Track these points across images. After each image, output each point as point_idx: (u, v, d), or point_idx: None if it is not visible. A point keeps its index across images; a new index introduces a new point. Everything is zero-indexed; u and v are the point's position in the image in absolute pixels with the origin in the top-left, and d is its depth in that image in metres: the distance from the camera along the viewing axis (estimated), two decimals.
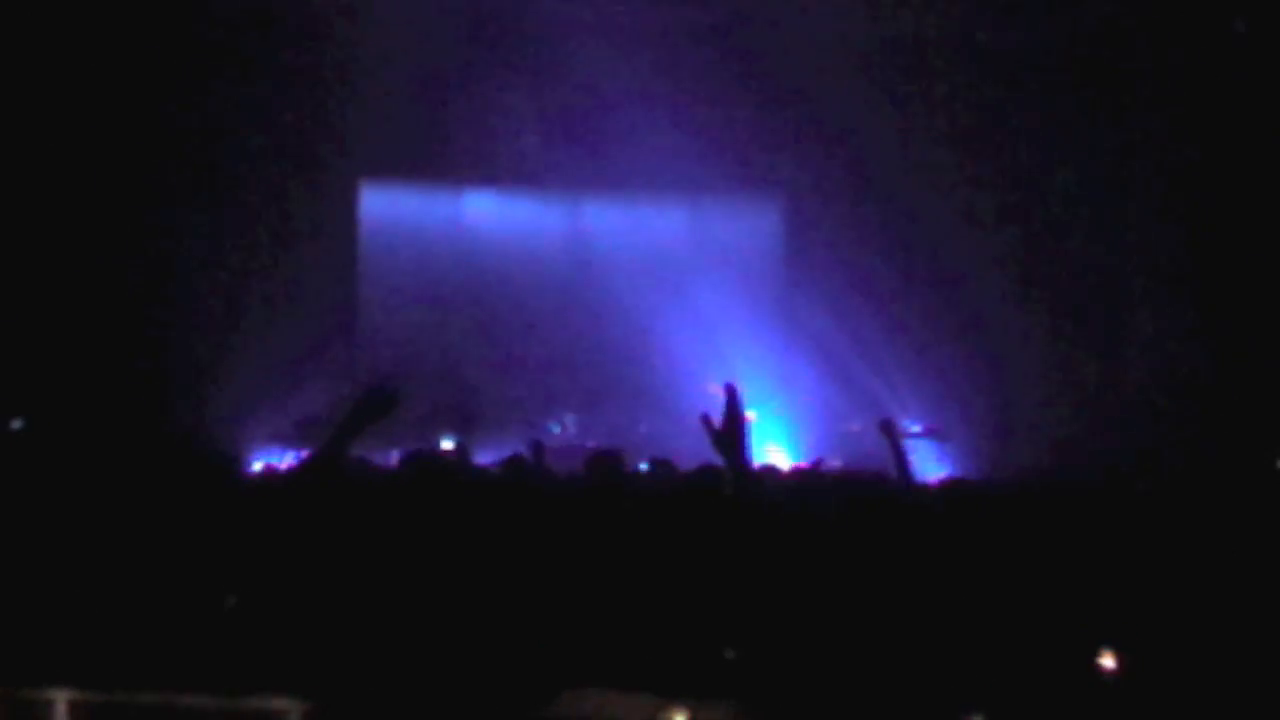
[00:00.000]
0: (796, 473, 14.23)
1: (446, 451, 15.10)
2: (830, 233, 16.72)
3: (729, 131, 16.32)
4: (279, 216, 16.11)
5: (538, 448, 11.03)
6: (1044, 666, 8.90)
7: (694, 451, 15.00)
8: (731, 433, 8.16)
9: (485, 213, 17.47)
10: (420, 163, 16.67)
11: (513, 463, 12.60)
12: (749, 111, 16.33)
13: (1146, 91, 15.91)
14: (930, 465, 15.58)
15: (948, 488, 13.77)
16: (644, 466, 13.50)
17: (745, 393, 17.14)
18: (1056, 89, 16.09)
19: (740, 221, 17.47)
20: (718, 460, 14.20)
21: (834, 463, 15.21)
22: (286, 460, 14.79)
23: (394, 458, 14.65)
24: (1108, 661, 8.91)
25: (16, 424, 13.57)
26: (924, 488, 14.27)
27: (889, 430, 9.70)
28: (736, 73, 16.22)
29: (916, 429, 15.62)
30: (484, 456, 15.09)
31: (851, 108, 16.24)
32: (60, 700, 6.84)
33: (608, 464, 12.75)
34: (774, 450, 15.83)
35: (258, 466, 14.54)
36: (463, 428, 15.86)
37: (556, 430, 16.01)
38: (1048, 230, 16.41)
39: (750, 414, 16.46)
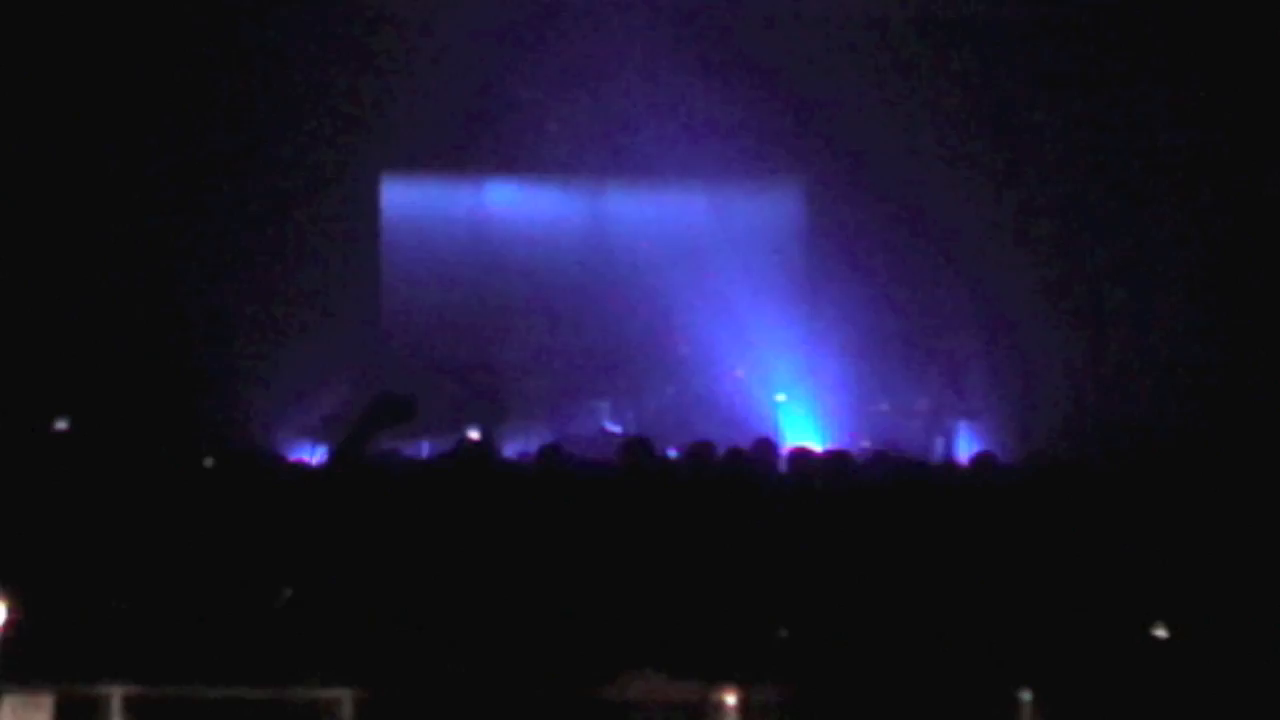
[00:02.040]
0: (831, 454, 14.25)
1: (474, 442, 15.14)
2: (852, 217, 16.69)
3: (750, 118, 16.30)
4: (302, 211, 16.11)
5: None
6: (1094, 642, 8.91)
7: (724, 436, 15.07)
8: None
9: (507, 203, 17.46)
10: (441, 154, 16.65)
11: (547, 453, 12.63)
12: (770, 97, 16.29)
13: (1166, 75, 15.89)
14: (960, 444, 15.63)
15: (979, 465, 13.81)
16: (672, 453, 13.55)
17: (771, 376, 17.20)
18: (1083, 75, 16.05)
19: (762, 207, 17.45)
20: (745, 444, 14.24)
21: (864, 443, 15.22)
22: (315, 455, 14.81)
23: (424, 449, 14.73)
24: (1160, 632, 8.93)
25: (61, 425, 13.62)
26: (953, 466, 14.31)
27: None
28: (757, 58, 16.19)
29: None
30: (511, 448, 15.15)
31: (874, 92, 16.22)
32: (115, 695, 6.88)
33: (642, 451, 12.78)
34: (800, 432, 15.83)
35: (290, 460, 14.58)
36: (490, 419, 15.88)
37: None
38: (1073, 214, 16.37)
39: (779, 396, 16.53)
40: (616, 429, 16.05)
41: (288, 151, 16.03)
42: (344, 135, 16.18)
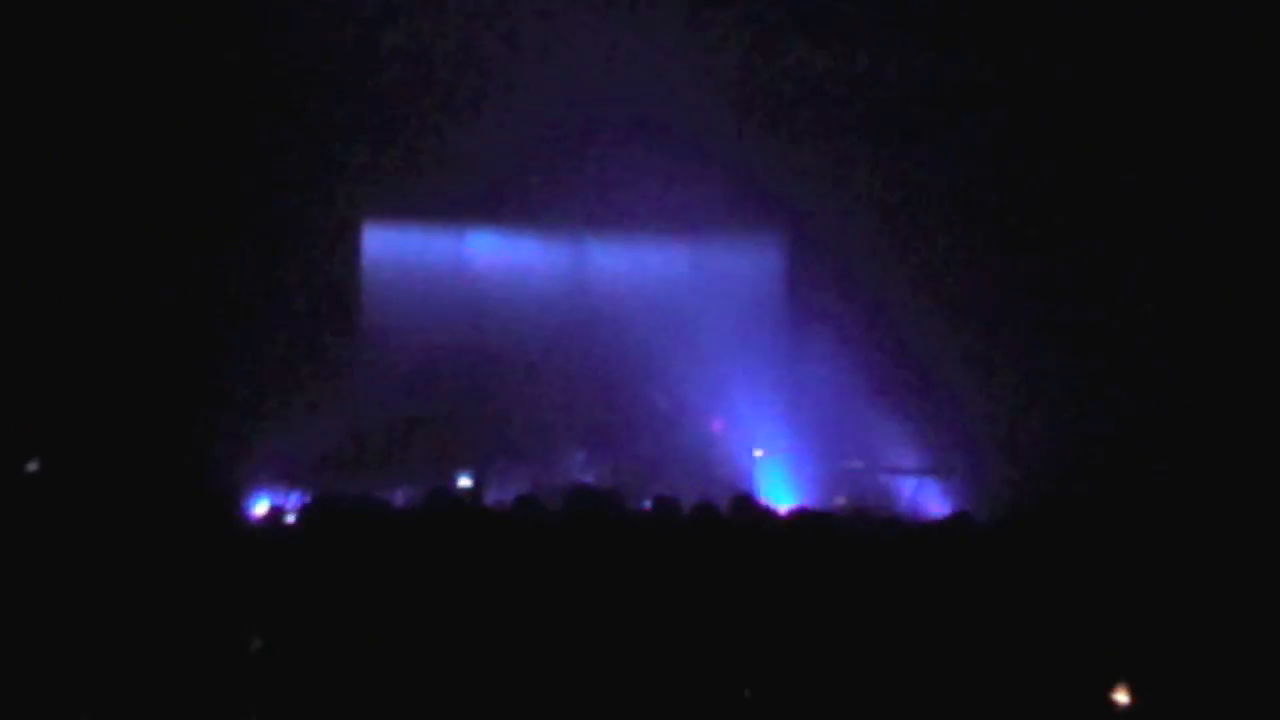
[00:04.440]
0: (798, 513, 14.24)
1: (462, 489, 15.13)
2: (833, 269, 16.70)
3: (731, 168, 16.32)
4: (281, 255, 16.09)
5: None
6: (1057, 700, 8.91)
7: (698, 489, 15.03)
8: None
9: (487, 251, 17.46)
10: (422, 201, 16.66)
11: (523, 502, 12.60)
12: (751, 148, 16.33)
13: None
14: (935, 502, 15.60)
15: (953, 523, 13.81)
16: (648, 504, 13.53)
17: (749, 430, 17.21)
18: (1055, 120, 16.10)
19: (742, 258, 17.46)
20: (721, 498, 14.24)
21: (840, 500, 15.20)
22: (290, 499, 14.75)
23: (400, 497, 14.69)
24: (1121, 697, 8.92)
25: (32, 466, 13.55)
26: (929, 524, 14.31)
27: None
28: (738, 108, 16.23)
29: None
30: (490, 495, 15.12)
31: (855, 146, 16.27)
32: None
33: (597, 501, 12.77)
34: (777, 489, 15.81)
35: (261, 506, 14.53)
36: (467, 466, 15.85)
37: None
38: (1060, 268, 16.36)
39: (757, 451, 16.52)
40: (589, 479, 16.01)
41: (267, 197, 16.01)
42: (326, 181, 16.18)
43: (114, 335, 15.39)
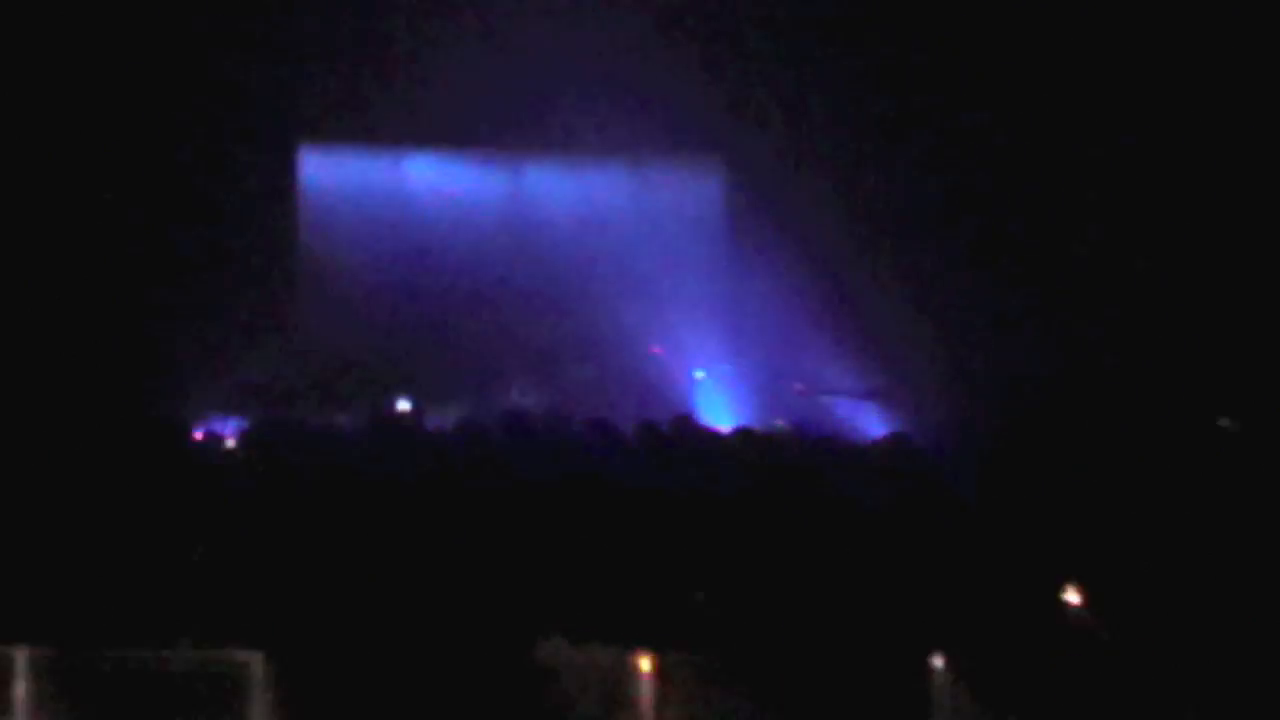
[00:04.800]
0: (739, 433, 14.30)
1: (402, 413, 15.10)
2: (772, 194, 16.69)
3: (671, 94, 16.26)
4: (218, 181, 15.93)
5: None
6: (1003, 607, 9.01)
7: (636, 412, 15.08)
8: None
9: (426, 176, 17.36)
10: (359, 126, 16.53)
11: (464, 426, 12.63)
12: (691, 73, 16.26)
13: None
14: (873, 425, 15.67)
15: (889, 445, 13.94)
16: (579, 429, 13.60)
17: (690, 354, 17.24)
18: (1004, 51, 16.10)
19: (683, 184, 17.43)
20: (660, 418, 14.28)
21: (780, 423, 15.25)
22: (230, 427, 14.68)
23: (340, 421, 14.65)
24: (1072, 596, 9.04)
25: None
26: (867, 445, 14.43)
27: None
28: (679, 34, 16.16)
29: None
30: (430, 421, 15.11)
31: (794, 68, 16.24)
32: (20, 656, 6.80)
33: (538, 424, 12.82)
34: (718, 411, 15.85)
35: (201, 433, 14.45)
36: (407, 392, 15.81)
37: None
38: (993, 193, 16.39)
39: (698, 374, 16.57)
40: (528, 402, 16.01)
41: (204, 122, 15.85)
42: (262, 106, 16.02)
43: (55, 267, 15.21)
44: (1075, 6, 15.79)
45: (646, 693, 6.52)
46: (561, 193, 17.39)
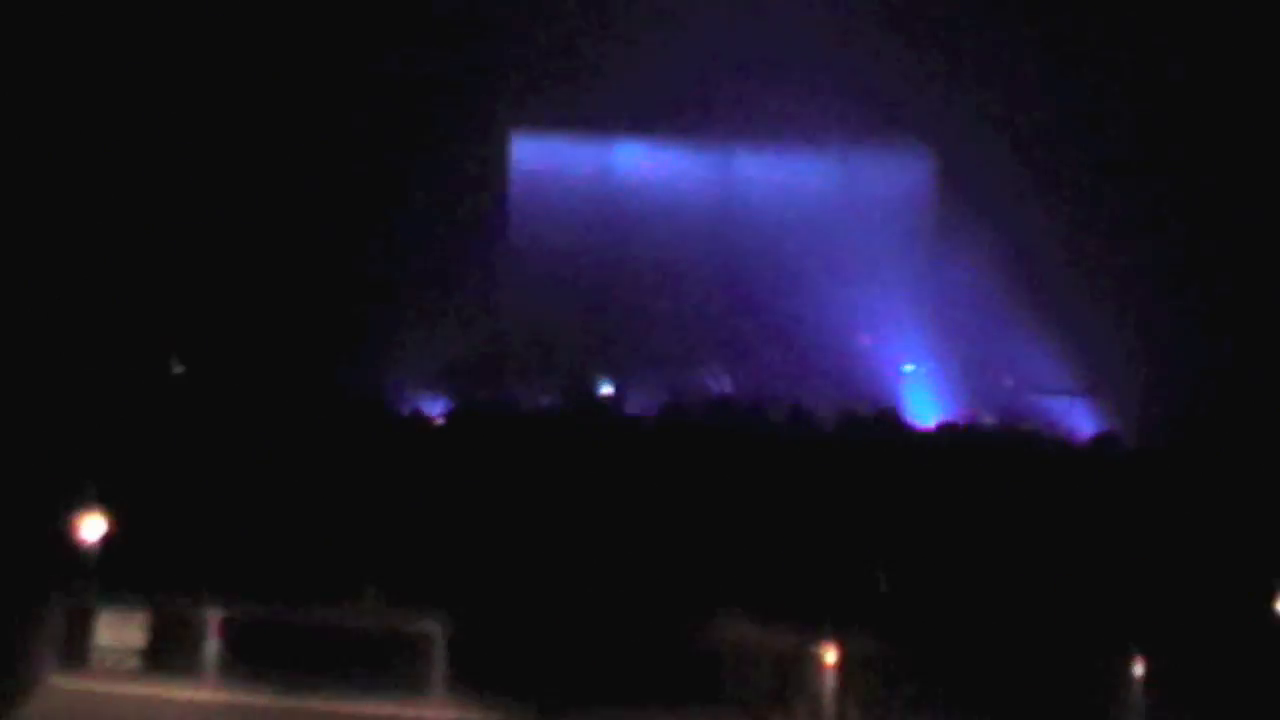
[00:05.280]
0: (943, 428, 14.08)
1: (604, 397, 15.17)
2: (982, 184, 16.35)
3: (880, 82, 16.05)
4: (431, 166, 16.15)
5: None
6: (1204, 609, 8.72)
7: (839, 402, 14.91)
8: None
9: (635, 162, 17.39)
10: (571, 112, 16.62)
11: (667, 410, 12.65)
12: (901, 62, 16.04)
13: None
14: (1083, 423, 15.31)
15: (1099, 443, 13.58)
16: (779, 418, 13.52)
17: (896, 345, 16.96)
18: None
19: (891, 173, 17.17)
20: (861, 409, 14.10)
21: (988, 419, 14.99)
22: (438, 406, 14.88)
23: (543, 401, 14.78)
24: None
25: (177, 367, 13.81)
26: (1076, 444, 14.10)
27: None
28: (889, 22, 15.95)
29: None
30: (630, 405, 15.14)
31: (1005, 58, 15.91)
32: (212, 617, 6.96)
33: (739, 412, 12.78)
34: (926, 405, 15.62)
35: (408, 410, 14.66)
36: (610, 374, 15.87)
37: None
38: (1207, 195, 15.86)
39: (908, 367, 16.34)
40: (730, 389, 15.95)
41: (419, 110, 16.07)
42: (475, 92, 16.20)
43: (270, 246, 15.54)
44: None
45: (829, 680, 6.41)
46: (769, 180, 17.28)
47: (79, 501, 7.12)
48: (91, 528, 7.09)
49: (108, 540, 7.09)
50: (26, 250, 13.30)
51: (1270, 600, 9.00)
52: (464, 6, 16.16)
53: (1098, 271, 16.07)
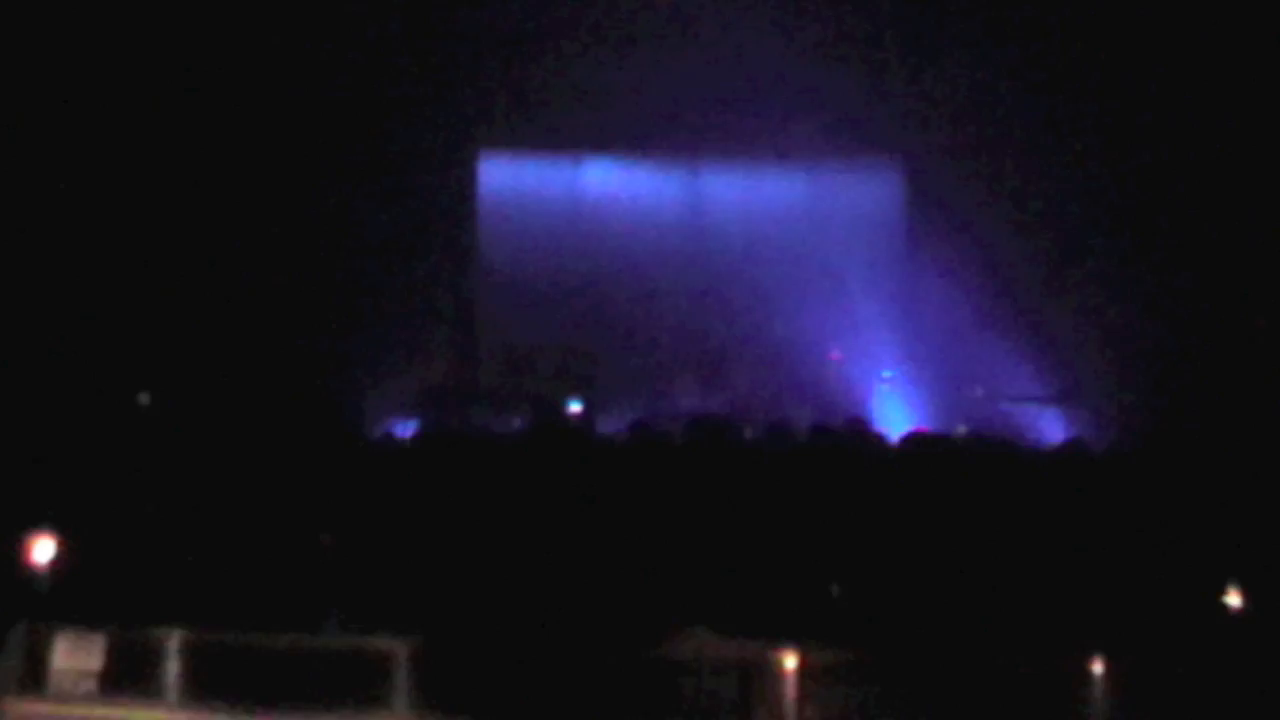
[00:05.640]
0: (912, 437, 14.14)
1: (573, 415, 15.21)
2: (951, 198, 16.46)
3: (847, 97, 16.15)
4: (398, 187, 16.20)
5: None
6: (1163, 609, 8.76)
7: (812, 416, 14.93)
8: None
9: (603, 181, 17.47)
10: (538, 132, 16.70)
11: (638, 428, 12.67)
12: (868, 76, 16.15)
13: None
14: (1053, 431, 15.39)
15: (1069, 451, 13.62)
16: (756, 433, 13.53)
17: (867, 358, 17.03)
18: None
19: (860, 187, 17.30)
20: (833, 424, 14.14)
21: (960, 429, 15.05)
22: (408, 429, 14.90)
23: (516, 424, 14.80)
24: (1233, 600, 8.76)
25: (143, 399, 13.83)
26: (1047, 451, 14.14)
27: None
28: (855, 38, 16.06)
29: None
30: (605, 423, 15.17)
31: (971, 69, 16.02)
32: (172, 639, 6.97)
33: (716, 430, 12.80)
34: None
35: (378, 432, 14.69)
36: (583, 394, 15.92)
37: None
38: (1180, 200, 15.94)
39: (885, 373, 16.35)
40: (704, 407, 15.98)
41: (385, 132, 16.12)
42: (442, 113, 16.26)
43: (233, 269, 15.55)
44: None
45: (789, 688, 6.44)
46: (738, 196, 17.38)
47: (32, 524, 7.14)
48: (42, 550, 7.11)
49: (65, 562, 7.12)
50: None
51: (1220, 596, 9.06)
52: (426, 25, 16.23)
53: (1067, 282, 16.18)
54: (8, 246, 13.52)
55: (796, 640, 7.42)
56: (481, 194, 17.12)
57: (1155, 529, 9.62)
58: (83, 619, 6.99)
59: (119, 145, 14.84)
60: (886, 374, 16.40)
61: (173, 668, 6.91)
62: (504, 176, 17.27)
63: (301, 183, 15.89)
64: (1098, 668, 8.05)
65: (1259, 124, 15.39)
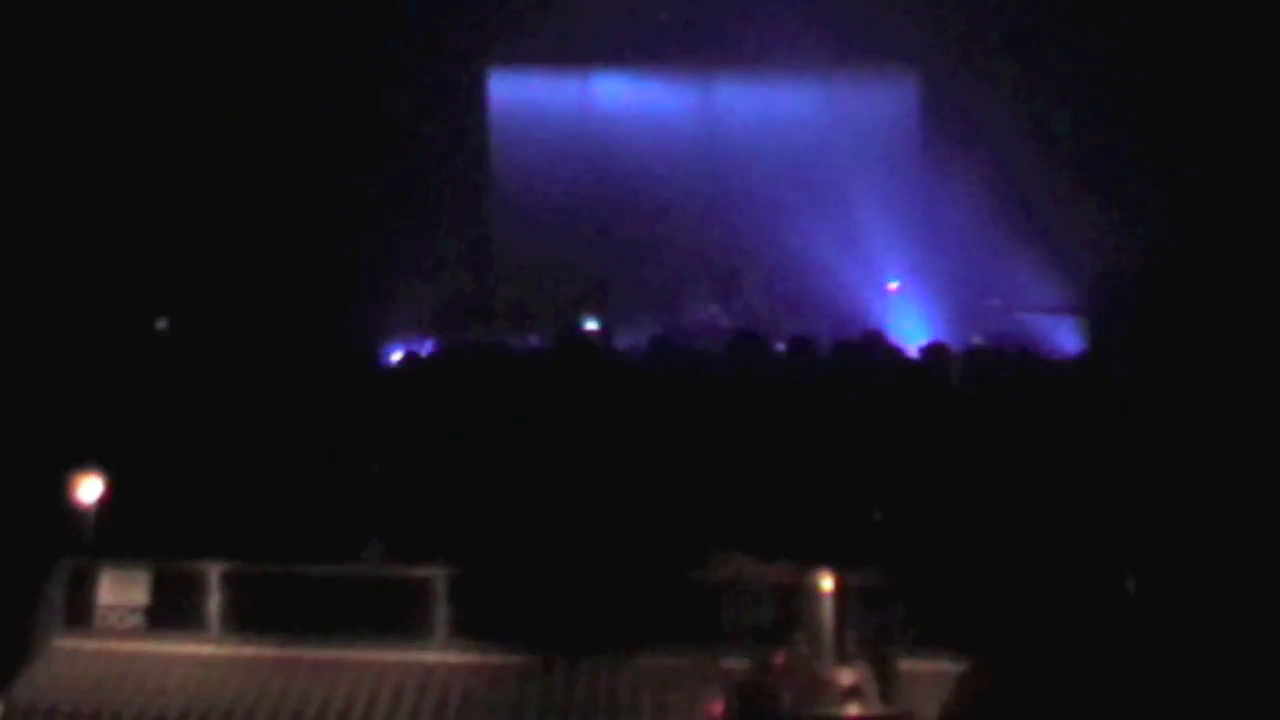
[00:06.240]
0: (931, 348, 14.12)
1: (590, 332, 15.18)
2: (967, 107, 16.37)
3: (862, 6, 16.01)
4: (409, 105, 16.09)
5: None
6: (1192, 532, 8.77)
7: (829, 331, 14.92)
8: None
9: (615, 95, 17.36)
10: (548, 47, 16.57)
11: (657, 345, 12.62)
12: None
13: None
14: (1070, 341, 15.38)
15: (1087, 362, 13.59)
16: (780, 347, 13.48)
17: (884, 268, 16.96)
18: None
19: (875, 98, 17.21)
20: (853, 338, 14.09)
21: (976, 339, 15.02)
22: (426, 347, 14.88)
23: (533, 340, 14.78)
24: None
25: (161, 324, 13.82)
26: (1064, 362, 14.12)
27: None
28: None
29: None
30: (620, 339, 15.15)
31: None
32: (213, 571, 7.01)
33: (748, 345, 12.74)
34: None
35: (397, 355, 14.66)
36: (598, 311, 15.89)
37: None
38: (1200, 109, 15.81)
39: (892, 285, 16.33)
40: (724, 321, 15.97)
41: (395, 47, 15.99)
42: (451, 29, 16.13)
43: (247, 195, 15.48)
44: None
45: (826, 610, 6.46)
46: (752, 108, 17.28)
47: (76, 463, 7.16)
48: (89, 489, 7.12)
49: (107, 500, 7.14)
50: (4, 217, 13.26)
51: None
52: None
53: (1083, 190, 16.11)
54: (24, 193, 13.45)
55: (832, 562, 7.42)
56: (492, 110, 17.02)
57: (1184, 441, 9.63)
58: (125, 553, 7.02)
59: (130, 70, 14.74)
60: (894, 283, 16.37)
61: (216, 600, 6.94)
62: (514, 91, 17.16)
63: (311, 102, 15.79)
64: (1130, 584, 8.08)
65: None
